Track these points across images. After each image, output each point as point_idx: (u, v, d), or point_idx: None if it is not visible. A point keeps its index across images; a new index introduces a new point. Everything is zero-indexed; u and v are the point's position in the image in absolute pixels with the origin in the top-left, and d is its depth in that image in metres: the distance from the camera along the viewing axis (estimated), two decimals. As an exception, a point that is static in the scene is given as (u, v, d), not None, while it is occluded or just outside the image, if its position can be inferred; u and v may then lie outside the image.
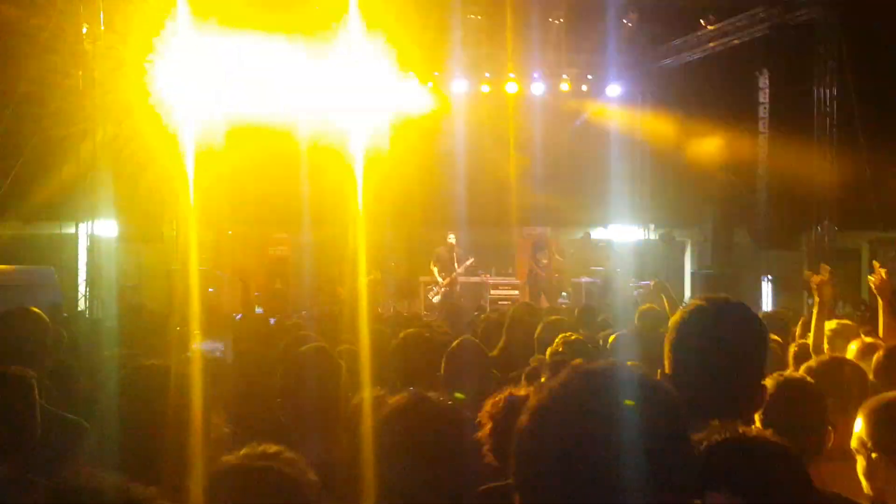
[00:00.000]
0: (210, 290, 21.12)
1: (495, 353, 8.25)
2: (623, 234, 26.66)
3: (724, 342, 3.25)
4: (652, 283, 25.20)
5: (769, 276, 22.33)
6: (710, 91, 24.74)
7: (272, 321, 13.79)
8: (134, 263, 21.19)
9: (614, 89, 26.36)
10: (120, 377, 4.01)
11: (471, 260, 22.08)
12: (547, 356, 7.14)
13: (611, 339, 7.91)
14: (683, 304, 4.05)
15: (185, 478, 2.98)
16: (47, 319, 5.86)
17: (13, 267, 21.14)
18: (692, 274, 24.44)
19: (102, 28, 19.58)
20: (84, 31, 19.39)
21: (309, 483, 2.82)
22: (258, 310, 15.71)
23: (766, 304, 21.59)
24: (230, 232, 22.93)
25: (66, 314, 14.20)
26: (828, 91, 21.53)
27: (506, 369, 7.39)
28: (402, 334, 6.62)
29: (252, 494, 2.71)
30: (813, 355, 6.11)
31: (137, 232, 19.93)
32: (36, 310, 5.91)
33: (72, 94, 19.48)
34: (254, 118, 24.20)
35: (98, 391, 5.69)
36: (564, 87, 25.77)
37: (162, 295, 20.12)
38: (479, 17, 22.58)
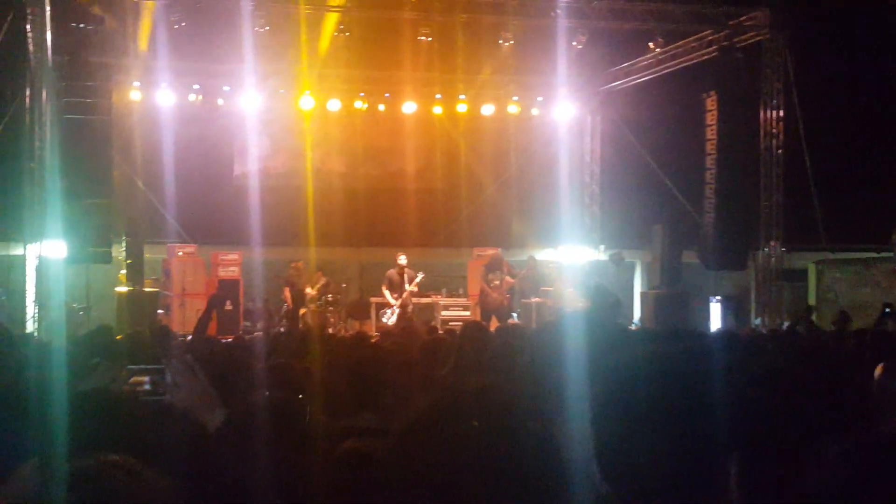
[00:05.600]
0: (159, 311, 20.98)
1: (445, 371, 8.24)
2: (572, 254, 26.74)
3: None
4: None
5: (718, 297, 22.45)
6: (658, 113, 24.94)
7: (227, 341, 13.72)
8: (82, 285, 20.99)
9: (564, 110, 26.50)
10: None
11: (420, 275, 22.04)
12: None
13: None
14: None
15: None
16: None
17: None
18: (642, 294, 24.53)
19: (50, 48, 19.48)
20: (31, 50, 19.32)
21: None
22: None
23: (715, 323, 21.68)
24: (180, 252, 22.79)
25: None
26: (774, 112, 21.77)
27: (456, 388, 7.39)
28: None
29: None
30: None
31: (85, 252, 19.74)
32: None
33: (19, 115, 19.36)
34: (201, 137, 24.26)
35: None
36: (513, 108, 26.00)
37: (110, 317, 19.94)
38: (430, 39, 22.57)
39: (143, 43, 21.79)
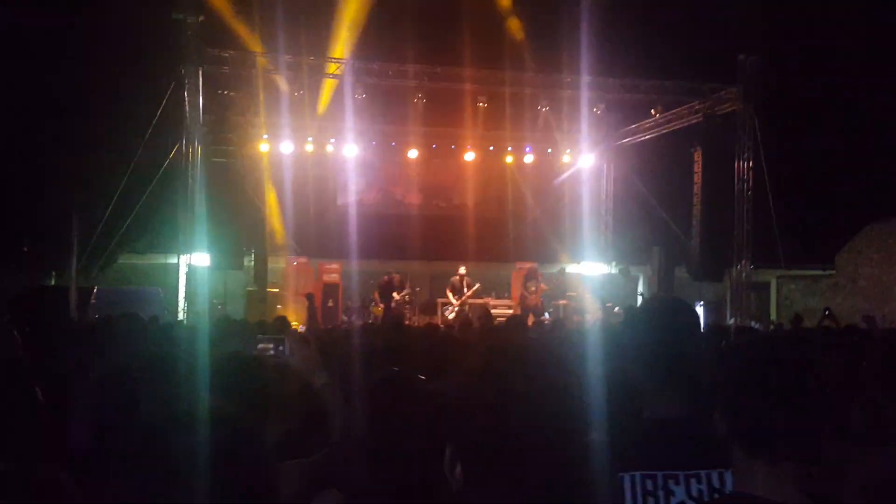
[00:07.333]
0: (278, 307, 21.31)
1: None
2: (591, 268, 26.79)
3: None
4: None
5: (702, 302, 22.43)
6: (657, 163, 24.99)
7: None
8: (221, 286, 21.42)
9: (586, 160, 26.57)
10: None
11: (477, 286, 22.27)
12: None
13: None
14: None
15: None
16: (144, 319, 5.95)
17: (129, 287, 21.46)
18: (642, 300, 24.51)
19: (201, 109, 19.99)
20: (187, 114, 19.81)
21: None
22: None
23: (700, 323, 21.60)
24: (294, 262, 23.20)
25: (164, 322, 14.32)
26: (745, 164, 21.76)
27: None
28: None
29: None
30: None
31: (224, 262, 20.20)
32: (135, 313, 6.04)
33: (178, 161, 19.84)
34: (312, 176, 24.57)
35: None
36: (549, 158, 26.11)
37: (241, 311, 20.35)
38: (486, 105, 22.91)
39: (269, 105, 22.21)
